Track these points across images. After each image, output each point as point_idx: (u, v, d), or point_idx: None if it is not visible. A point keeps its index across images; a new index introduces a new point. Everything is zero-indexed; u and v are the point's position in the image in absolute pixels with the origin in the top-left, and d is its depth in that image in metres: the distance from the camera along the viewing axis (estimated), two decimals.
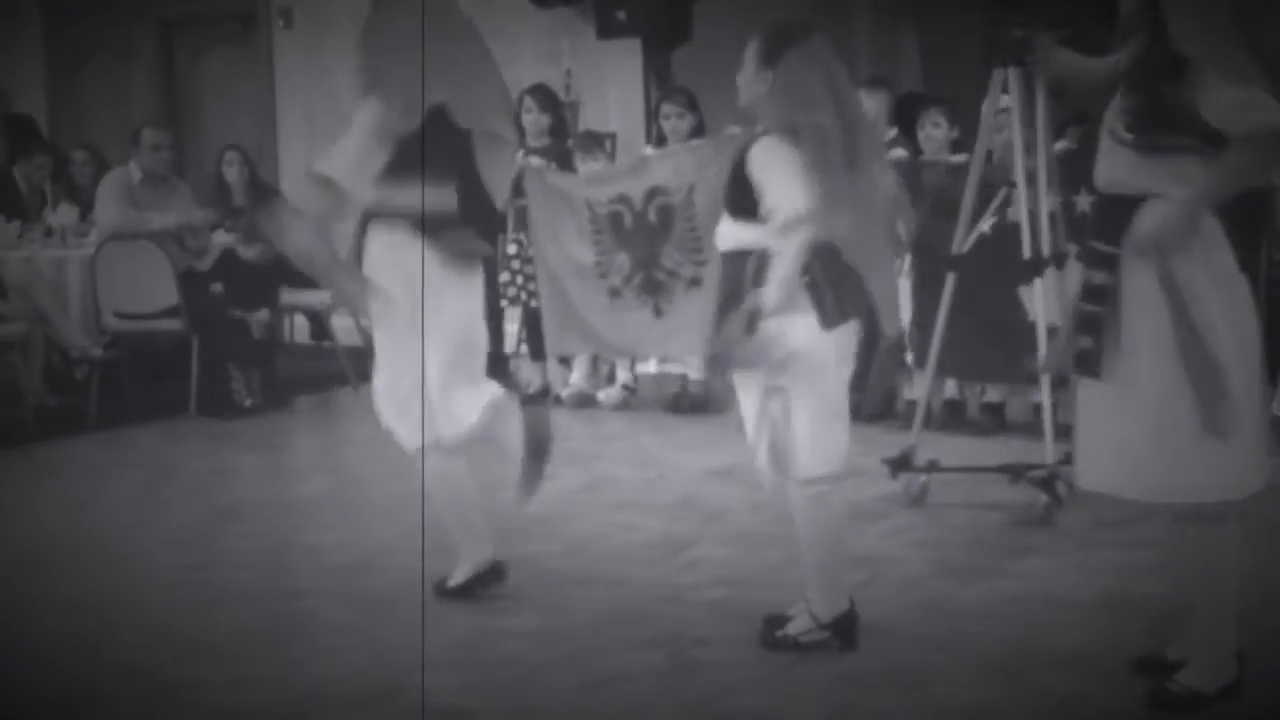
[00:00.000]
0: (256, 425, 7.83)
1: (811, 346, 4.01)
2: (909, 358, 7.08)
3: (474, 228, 4.56)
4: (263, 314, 8.25)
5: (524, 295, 8.04)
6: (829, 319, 4.00)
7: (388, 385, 4.62)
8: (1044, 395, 5.51)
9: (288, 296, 8.64)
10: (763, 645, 4.23)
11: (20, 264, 8.31)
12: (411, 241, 4.43)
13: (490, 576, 4.77)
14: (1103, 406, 3.71)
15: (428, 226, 4.41)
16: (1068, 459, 5.28)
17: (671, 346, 7.56)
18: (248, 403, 8.09)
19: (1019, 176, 5.59)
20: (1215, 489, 3.60)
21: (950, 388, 7.16)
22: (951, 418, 7.02)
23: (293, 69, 11.59)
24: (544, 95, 8.23)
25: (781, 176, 3.94)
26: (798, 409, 4.05)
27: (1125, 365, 3.65)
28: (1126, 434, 3.65)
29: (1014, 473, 5.55)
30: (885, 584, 4.78)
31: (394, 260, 4.48)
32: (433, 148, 4.38)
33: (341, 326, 8.73)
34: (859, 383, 4.27)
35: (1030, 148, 5.56)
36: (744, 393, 4.19)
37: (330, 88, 10.56)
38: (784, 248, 3.91)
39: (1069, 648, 4.17)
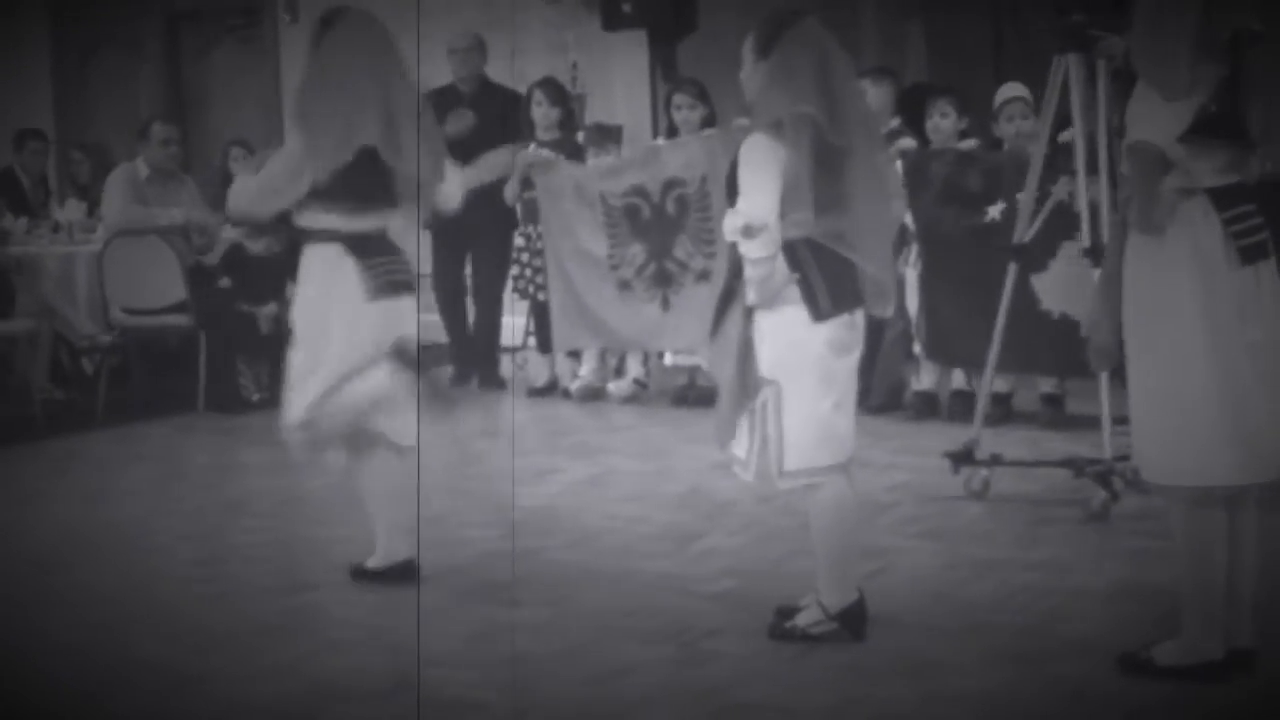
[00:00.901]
0: (265, 420, 7.77)
1: (802, 339, 4.01)
2: (917, 348, 7.05)
3: (401, 256, 4.82)
4: (271, 308, 8.21)
5: (532, 288, 8.03)
6: (820, 311, 4.00)
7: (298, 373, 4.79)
8: (1101, 389, 5.38)
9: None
10: (772, 636, 4.22)
11: (27, 259, 8.31)
12: (340, 260, 4.71)
13: (402, 572, 4.80)
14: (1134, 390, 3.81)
15: (356, 249, 4.72)
16: (1125, 456, 5.25)
17: (679, 339, 7.54)
18: (256, 397, 8.08)
19: (1079, 164, 5.52)
20: (1225, 472, 3.62)
21: (958, 378, 7.13)
22: (960, 407, 6.99)
23: (298, 64, 11.54)
24: (553, 88, 8.21)
25: (752, 179, 3.96)
26: (790, 402, 4.05)
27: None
28: (1138, 415, 3.76)
29: (1075, 467, 5.49)
30: (894, 575, 4.77)
31: (324, 277, 4.75)
32: (363, 181, 4.66)
33: None
34: (864, 373, 4.24)
35: (1090, 132, 5.48)
36: None
37: None
38: (747, 251, 3.94)
39: (1081, 637, 4.16)
